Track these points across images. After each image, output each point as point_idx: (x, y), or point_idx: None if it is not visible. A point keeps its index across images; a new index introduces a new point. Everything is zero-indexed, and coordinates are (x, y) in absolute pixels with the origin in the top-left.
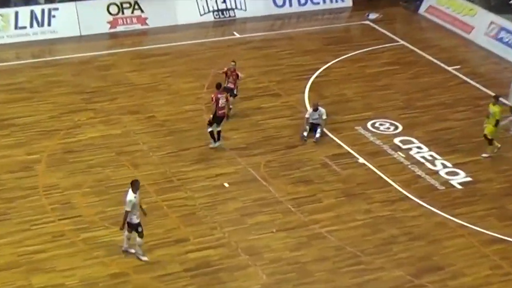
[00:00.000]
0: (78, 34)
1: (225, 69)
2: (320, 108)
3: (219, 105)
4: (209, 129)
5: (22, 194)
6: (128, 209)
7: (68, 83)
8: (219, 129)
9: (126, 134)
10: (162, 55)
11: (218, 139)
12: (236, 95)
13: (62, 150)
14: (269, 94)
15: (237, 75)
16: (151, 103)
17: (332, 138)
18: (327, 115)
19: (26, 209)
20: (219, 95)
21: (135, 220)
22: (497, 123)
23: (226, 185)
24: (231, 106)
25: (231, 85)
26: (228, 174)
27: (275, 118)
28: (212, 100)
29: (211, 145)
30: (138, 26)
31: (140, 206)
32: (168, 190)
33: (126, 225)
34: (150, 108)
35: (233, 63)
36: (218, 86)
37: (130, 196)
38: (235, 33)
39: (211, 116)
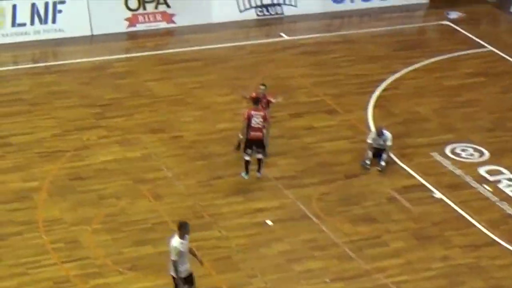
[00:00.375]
0: (89, 34)
1: (253, 94)
2: (385, 132)
3: (252, 124)
4: (246, 158)
5: (17, 230)
6: (175, 258)
7: (75, 93)
8: (259, 156)
9: (146, 157)
10: (191, 60)
11: (259, 169)
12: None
13: (68, 176)
14: (324, 110)
15: (268, 102)
16: (177, 119)
17: (401, 166)
18: (392, 140)
19: (21, 248)
20: (253, 112)
21: (183, 272)
22: None
23: (269, 222)
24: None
25: None
26: (271, 209)
27: (330, 140)
28: (244, 117)
29: (242, 174)
30: (163, 25)
31: (194, 252)
32: (197, 228)
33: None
34: (176, 125)
35: (262, 87)
36: (256, 101)
37: (176, 242)
38: (282, 34)
39: (240, 136)
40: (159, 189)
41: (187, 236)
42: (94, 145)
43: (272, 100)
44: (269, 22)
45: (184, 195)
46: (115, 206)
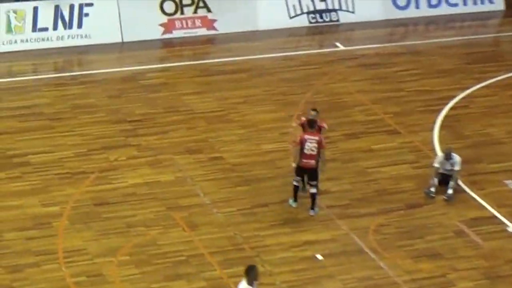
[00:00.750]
0: (120, 41)
1: (303, 119)
2: (454, 155)
3: (305, 150)
4: (295, 183)
5: (34, 261)
6: None
7: (102, 108)
8: (313, 191)
9: (181, 181)
10: (234, 72)
11: (312, 207)
12: None
13: (92, 201)
14: (384, 131)
15: (320, 128)
16: (217, 139)
17: (470, 196)
18: (461, 165)
19: (39, 281)
20: (306, 136)
21: None
22: None
23: (320, 257)
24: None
25: None
26: (322, 242)
27: (391, 164)
28: (296, 142)
29: (290, 201)
30: (203, 31)
31: None
32: (237, 262)
33: None
34: (216, 146)
35: (314, 113)
36: (311, 124)
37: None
38: (338, 44)
39: (293, 164)
40: (195, 217)
41: (255, 283)
42: (122, 166)
43: (325, 126)
44: (322, 30)
45: (223, 225)
46: (145, 236)
